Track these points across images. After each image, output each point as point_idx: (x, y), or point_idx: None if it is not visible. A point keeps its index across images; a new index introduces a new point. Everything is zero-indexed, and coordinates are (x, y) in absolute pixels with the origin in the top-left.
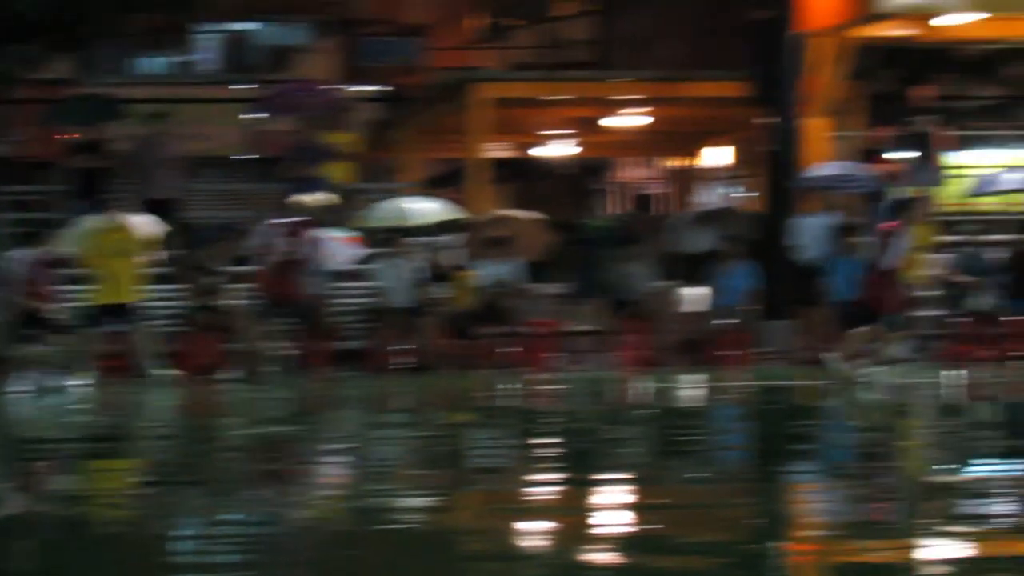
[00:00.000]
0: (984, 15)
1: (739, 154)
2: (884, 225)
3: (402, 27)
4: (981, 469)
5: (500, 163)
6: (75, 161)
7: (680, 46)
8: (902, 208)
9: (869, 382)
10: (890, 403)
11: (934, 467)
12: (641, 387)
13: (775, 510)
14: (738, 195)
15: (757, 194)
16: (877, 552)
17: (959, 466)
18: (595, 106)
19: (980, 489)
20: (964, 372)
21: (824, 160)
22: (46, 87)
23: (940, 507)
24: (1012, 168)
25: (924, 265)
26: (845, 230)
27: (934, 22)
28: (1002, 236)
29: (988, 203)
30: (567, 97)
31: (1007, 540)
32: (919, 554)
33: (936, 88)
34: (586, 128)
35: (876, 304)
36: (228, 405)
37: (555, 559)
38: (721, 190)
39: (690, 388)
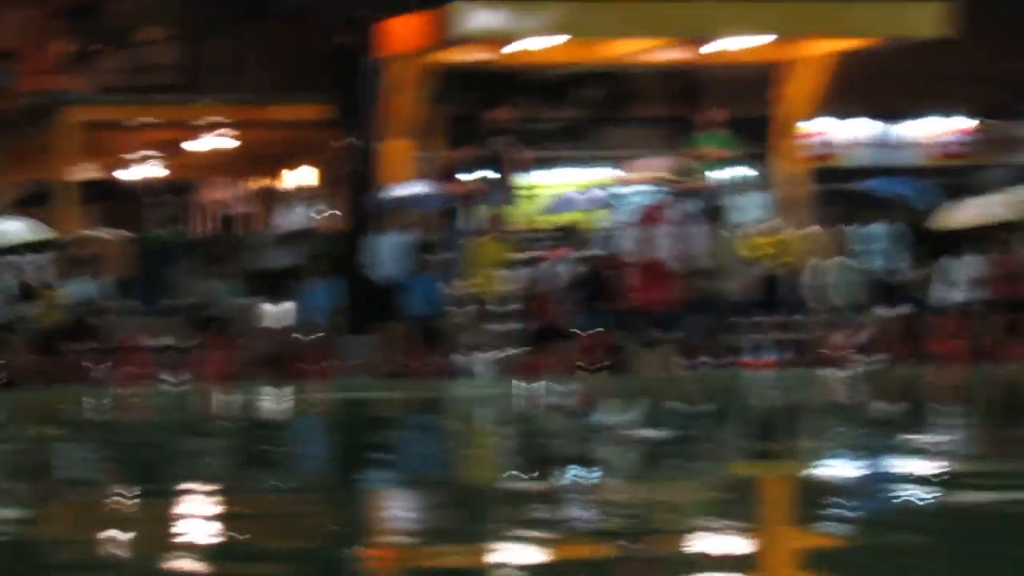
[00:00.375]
0: (558, 40)
1: (322, 175)
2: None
3: None
4: (551, 476)
5: (87, 184)
6: None
7: (267, 71)
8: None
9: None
10: (466, 414)
11: (507, 475)
12: (224, 400)
13: (352, 517)
14: (321, 214)
15: (340, 213)
16: (452, 557)
17: (531, 473)
18: (182, 129)
19: (551, 495)
20: (537, 384)
21: (403, 180)
22: None
23: (514, 513)
24: (588, 187)
25: (497, 281)
26: (421, 248)
27: (509, 48)
28: (577, 253)
29: (565, 220)
30: (154, 120)
31: (578, 544)
32: (494, 558)
33: (512, 111)
34: (173, 150)
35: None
36: None
37: (138, 569)
38: (304, 210)
39: (272, 401)
